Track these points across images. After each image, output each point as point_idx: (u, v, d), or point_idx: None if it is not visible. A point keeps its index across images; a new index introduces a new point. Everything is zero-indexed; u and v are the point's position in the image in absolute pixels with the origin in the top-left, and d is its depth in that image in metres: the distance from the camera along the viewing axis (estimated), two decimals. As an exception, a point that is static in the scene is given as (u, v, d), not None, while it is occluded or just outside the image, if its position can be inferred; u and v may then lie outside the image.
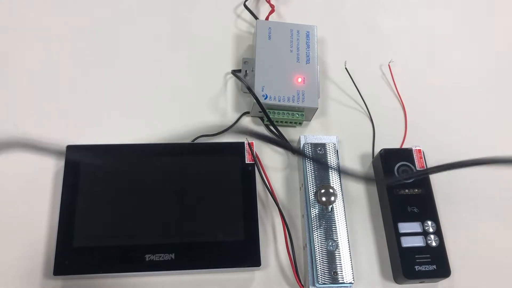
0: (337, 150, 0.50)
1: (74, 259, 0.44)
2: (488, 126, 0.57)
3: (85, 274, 0.44)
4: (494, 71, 0.62)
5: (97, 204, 0.46)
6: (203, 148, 0.50)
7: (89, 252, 0.44)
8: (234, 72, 0.56)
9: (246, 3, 0.61)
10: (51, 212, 0.47)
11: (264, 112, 0.51)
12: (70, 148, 0.48)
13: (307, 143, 0.50)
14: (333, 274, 0.44)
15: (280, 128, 0.53)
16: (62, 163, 0.48)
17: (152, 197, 0.46)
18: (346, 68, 0.57)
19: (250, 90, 0.51)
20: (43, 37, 0.57)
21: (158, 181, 0.47)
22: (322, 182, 0.48)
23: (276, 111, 0.52)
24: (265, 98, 0.51)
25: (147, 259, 0.44)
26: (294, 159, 0.53)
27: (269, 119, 0.52)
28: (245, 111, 0.55)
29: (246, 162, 0.49)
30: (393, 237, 0.47)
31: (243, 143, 0.50)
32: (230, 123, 0.54)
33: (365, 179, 0.51)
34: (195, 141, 0.51)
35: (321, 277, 0.44)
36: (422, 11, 0.66)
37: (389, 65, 0.59)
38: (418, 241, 0.46)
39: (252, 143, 0.50)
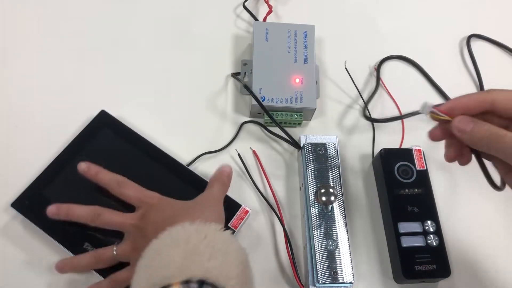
0: (337, 150, 0.50)
1: (35, 204, 0.45)
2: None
3: (33, 223, 0.45)
4: (493, 69, 0.61)
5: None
6: (196, 181, 0.49)
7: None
8: (235, 75, 0.56)
9: (246, 3, 0.61)
10: (51, 157, 0.49)
11: (266, 113, 0.51)
12: (103, 114, 0.51)
13: (307, 143, 0.50)
14: (333, 273, 0.44)
15: (279, 129, 0.53)
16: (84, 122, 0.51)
17: None
18: (346, 68, 0.57)
19: (251, 92, 0.51)
20: (43, 37, 0.58)
21: (151, 184, 0.47)
22: (322, 182, 0.48)
23: (274, 113, 0.52)
24: (263, 100, 0.51)
25: (84, 246, 0.45)
26: (294, 159, 0.53)
27: (271, 118, 0.51)
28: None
29: None
30: (393, 237, 0.47)
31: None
32: (230, 136, 0.53)
33: None
34: (199, 158, 0.51)
35: (321, 277, 0.44)
36: (421, 11, 0.66)
37: (375, 67, 0.59)
38: (418, 241, 0.46)
39: (255, 151, 0.52)
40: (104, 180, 0.44)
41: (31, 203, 0.46)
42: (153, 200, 0.44)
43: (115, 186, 0.44)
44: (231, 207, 0.47)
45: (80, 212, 0.43)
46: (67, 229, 0.45)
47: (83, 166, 0.45)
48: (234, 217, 0.47)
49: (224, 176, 0.47)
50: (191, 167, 0.50)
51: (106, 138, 0.50)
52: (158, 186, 0.46)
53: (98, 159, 0.48)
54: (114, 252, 0.42)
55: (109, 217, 0.43)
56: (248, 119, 0.54)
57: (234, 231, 0.47)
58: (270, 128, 0.54)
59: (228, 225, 0.47)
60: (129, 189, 0.44)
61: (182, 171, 0.49)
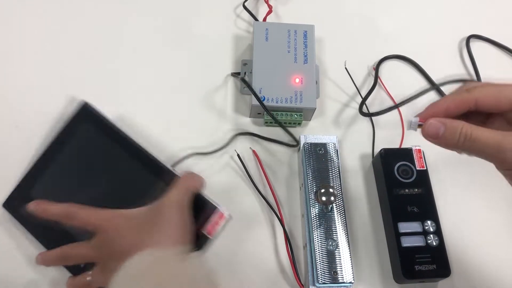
0: (337, 150, 0.50)
1: (22, 205, 0.43)
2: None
3: (22, 226, 0.45)
4: (493, 70, 0.61)
5: (70, 172, 0.47)
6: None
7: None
8: (235, 75, 0.56)
9: (246, 3, 0.61)
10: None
11: (267, 112, 0.51)
12: (86, 107, 0.48)
13: (307, 143, 0.50)
14: (333, 273, 0.44)
15: (279, 129, 0.53)
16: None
17: (116, 196, 0.45)
18: (346, 68, 0.57)
19: (249, 87, 0.51)
20: (45, 37, 0.58)
21: (132, 184, 0.46)
22: (322, 182, 0.48)
23: (274, 112, 0.52)
24: (263, 100, 0.51)
25: None
26: (294, 159, 0.53)
27: (271, 115, 0.51)
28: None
29: None
30: (393, 236, 0.47)
31: None
32: (229, 136, 0.53)
33: None
34: (188, 157, 0.51)
35: (321, 277, 0.44)
36: (421, 10, 0.66)
37: (373, 67, 0.59)
38: (418, 241, 0.46)
39: (254, 151, 0.52)
40: (53, 216, 0.41)
41: (19, 204, 0.45)
42: (106, 222, 0.40)
43: (65, 220, 0.41)
44: (205, 210, 0.42)
45: (50, 258, 0.43)
46: (53, 234, 0.44)
47: (31, 207, 0.41)
48: (209, 221, 0.42)
49: (187, 178, 0.42)
50: (180, 165, 0.50)
51: (88, 133, 0.48)
52: (138, 186, 0.45)
53: (80, 156, 0.47)
54: (89, 278, 0.41)
55: (76, 256, 0.42)
56: (241, 130, 0.54)
57: (208, 239, 0.41)
58: (271, 126, 0.54)
59: (202, 231, 0.41)
60: (79, 218, 0.41)
61: (162, 170, 0.46)
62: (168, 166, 0.46)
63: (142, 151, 0.47)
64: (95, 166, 0.47)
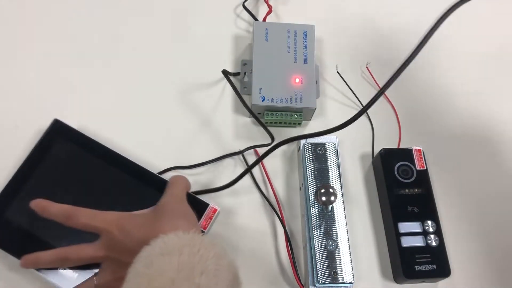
0: (337, 150, 0.50)
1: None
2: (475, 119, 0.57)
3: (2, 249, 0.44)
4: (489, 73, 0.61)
5: (47, 189, 0.46)
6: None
7: (15, 231, 0.44)
8: (226, 72, 0.56)
9: (245, 3, 0.61)
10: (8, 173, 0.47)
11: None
12: (57, 123, 0.48)
13: (307, 143, 0.50)
14: (333, 274, 0.44)
15: (279, 129, 0.53)
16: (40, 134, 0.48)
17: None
18: (338, 72, 0.57)
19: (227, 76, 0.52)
20: (42, 34, 0.58)
21: (115, 194, 0.47)
22: (322, 182, 0.48)
23: (274, 113, 0.52)
24: (263, 100, 0.51)
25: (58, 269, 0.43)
26: (294, 159, 0.53)
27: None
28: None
29: None
30: (393, 237, 0.47)
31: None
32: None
33: None
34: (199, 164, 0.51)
35: (321, 277, 0.44)
36: (419, 11, 0.65)
37: (367, 67, 0.59)
38: (418, 241, 0.46)
39: (256, 150, 0.51)
40: (52, 216, 0.41)
41: None
42: (111, 225, 0.40)
43: (63, 220, 0.41)
44: (198, 207, 0.45)
45: (46, 260, 0.41)
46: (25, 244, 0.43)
47: (32, 205, 0.41)
48: (203, 217, 0.46)
49: (179, 178, 0.45)
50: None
51: (63, 149, 0.48)
52: (126, 195, 0.46)
53: (57, 174, 0.47)
54: (95, 281, 0.41)
55: (77, 256, 0.41)
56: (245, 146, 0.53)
57: (204, 233, 0.45)
58: (270, 126, 0.54)
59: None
60: (80, 219, 0.40)
61: (150, 178, 0.47)
62: (155, 172, 0.48)
63: (125, 161, 0.48)
64: (77, 181, 0.47)
